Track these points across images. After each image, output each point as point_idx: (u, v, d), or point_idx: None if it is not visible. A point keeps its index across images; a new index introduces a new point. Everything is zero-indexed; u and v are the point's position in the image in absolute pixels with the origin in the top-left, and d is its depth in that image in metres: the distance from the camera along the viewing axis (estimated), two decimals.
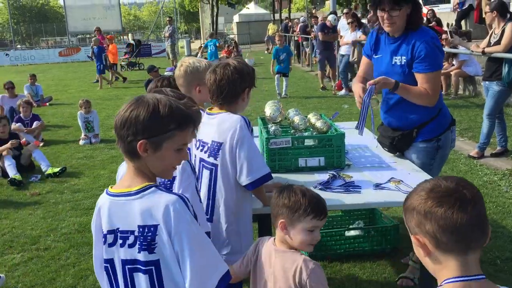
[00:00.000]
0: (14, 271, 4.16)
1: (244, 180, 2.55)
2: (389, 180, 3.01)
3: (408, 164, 3.35)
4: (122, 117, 1.69)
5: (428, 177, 3.06)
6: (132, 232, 1.68)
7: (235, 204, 2.62)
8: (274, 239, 2.23)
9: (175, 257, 1.66)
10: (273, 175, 3.15)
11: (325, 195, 2.78)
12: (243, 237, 2.65)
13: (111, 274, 1.77)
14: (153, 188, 1.69)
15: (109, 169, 6.80)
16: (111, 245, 1.73)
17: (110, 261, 1.75)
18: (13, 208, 5.64)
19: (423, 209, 1.36)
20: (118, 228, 1.71)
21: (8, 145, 6.97)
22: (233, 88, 2.59)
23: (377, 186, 2.94)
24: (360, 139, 3.97)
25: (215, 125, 2.59)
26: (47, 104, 13.10)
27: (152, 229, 1.64)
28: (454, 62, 10.65)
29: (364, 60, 3.58)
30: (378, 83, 3.08)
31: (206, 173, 2.63)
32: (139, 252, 1.68)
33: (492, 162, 6.35)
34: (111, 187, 1.78)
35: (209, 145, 2.61)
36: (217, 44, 19.50)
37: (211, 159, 2.60)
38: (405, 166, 3.30)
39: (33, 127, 8.66)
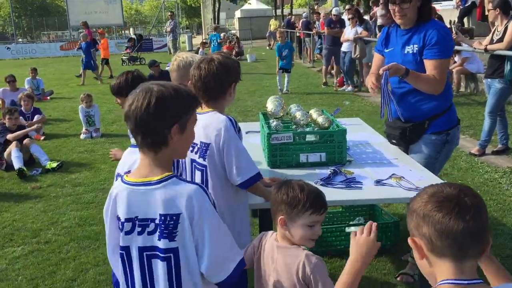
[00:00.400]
0: (14, 263, 4.17)
1: (235, 181, 2.53)
2: (390, 176, 3.00)
3: (410, 160, 3.34)
4: (148, 110, 1.68)
5: (430, 174, 3.08)
6: (153, 220, 1.72)
7: (229, 203, 2.58)
8: (276, 233, 2.23)
9: (194, 245, 1.73)
10: (274, 170, 3.17)
11: (326, 190, 2.76)
12: (243, 236, 2.62)
13: (125, 261, 1.81)
14: (174, 178, 1.75)
15: (110, 163, 6.79)
16: (128, 233, 1.77)
17: (126, 249, 1.79)
18: (13, 201, 5.65)
19: (422, 212, 1.38)
20: (137, 217, 1.75)
21: (35, 126, 7.56)
22: (219, 83, 2.53)
23: (378, 182, 2.93)
24: (361, 136, 3.98)
25: (201, 126, 2.51)
26: (48, 98, 13.10)
27: (174, 217, 1.70)
28: (456, 59, 10.62)
29: (377, 56, 3.65)
30: (391, 69, 3.12)
31: (198, 174, 2.60)
32: (159, 239, 1.72)
33: (493, 159, 6.35)
34: (127, 176, 1.81)
35: (198, 146, 2.57)
36: (219, 40, 19.45)
37: (201, 160, 2.56)
38: (407, 162, 3.30)
39: (34, 120, 8.66)
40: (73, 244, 4.47)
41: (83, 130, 8.71)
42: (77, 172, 6.65)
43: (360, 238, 1.82)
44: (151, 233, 1.74)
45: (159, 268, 1.76)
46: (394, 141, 3.56)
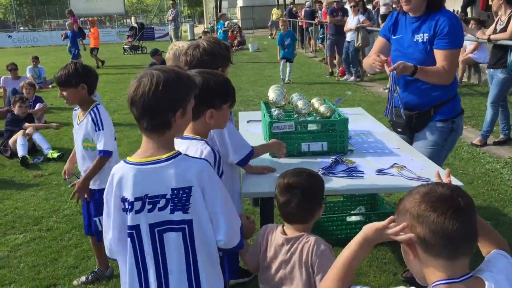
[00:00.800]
0: (16, 251, 4.19)
1: (232, 160, 2.61)
2: (392, 165, 2.99)
3: (412, 150, 3.34)
4: (155, 95, 1.74)
5: (432, 163, 3.07)
6: (163, 196, 1.79)
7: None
8: (283, 227, 2.22)
9: (207, 215, 1.82)
10: (275, 159, 3.17)
11: (327, 179, 2.78)
12: None
13: (135, 239, 1.85)
14: (182, 155, 1.83)
15: None
16: (138, 211, 1.82)
17: (136, 227, 1.84)
18: (15, 189, 5.67)
19: (416, 212, 1.39)
20: (146, 195, 1.80)
21: (55, 125, 8.05)
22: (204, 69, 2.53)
23: (380, 171, 2.93)
24: (363, 125, 3.97)
25: None
26: (50, 86, 13.07)
27: (186, 190, 1.78)
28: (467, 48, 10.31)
29: (379, 39, 3.59)
30: (398, 68, 3.08)
31: None
32: (172, 213, 1.80)
33: (495, 150, 6.34)
34: (130, 157, 1.86)
35: None
36: (222, 28, 19.34)
37: None
38: (409, 152, 3.29)
39: (35, 109, 8.65)
40: (74, 232, 4.48)
41: None
42: None
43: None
44: (161, 209, 1.81)
45: (173, 240, 1.83)
46: (399, 129, 3.53)
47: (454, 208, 1.36)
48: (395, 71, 3.07)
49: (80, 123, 3.35)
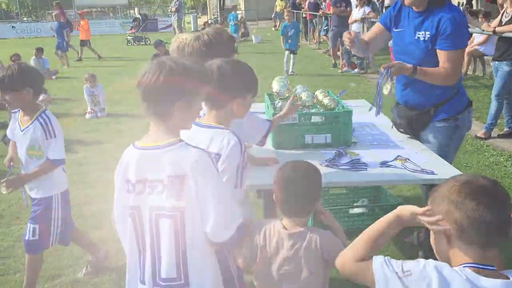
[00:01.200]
0: (21, 241, 4.19)
1: (251, 144, 2.69)
2: (395, 158, 3.00)
3: (416, 143, 3.33)
4: (156, 84, 1.78)
5: (436, 156, 3.07)
6: (161, 181, 1.83)
7: None
8: (281, 221, 2.19)
9: (199, 206, 1.83)
10: (278, 151, 3.17)
11: (330, 171, 2.79)
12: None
13: (136, 219, 1.91)
14: (181, 143, 1.85)
15: (116, 143, 6.82)
16: (139, 193, 1.88)
17: (137, 208, 1.90)
18: None
19: (455, 198, 1.42)
20: (147, 178, 1.85)
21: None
22: (202, 62, 2.55)
23: (383, 163, 2.93)
24: (366, 117, 3.96)
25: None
26: (53, 77, 13.08)
27: (180, 178, 1.81)
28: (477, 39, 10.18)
29: (377, 26, 3.51)
30: (394, 67, 3.02)
31: None
32: (166, 199, 1.83)
33: (499, 143, 6.34)
34: (138, 141, 1.92)
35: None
36: (235, 21, 19.21)
37: None
38: (413, 144, 3.29)
39: (39, 100, 8.66)
40: (80, 222, 4.48)
41: (88, 109, 8.72)
42: (83, 152, 6.68)
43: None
44: (159, 193, 1.85)
45: (166, 226, 1.86)
46: (401, 129, 3.49)
47: (495, 199, 1.40)
48: (389, 70, 3.01)
49: (25, 129, 3.13)
